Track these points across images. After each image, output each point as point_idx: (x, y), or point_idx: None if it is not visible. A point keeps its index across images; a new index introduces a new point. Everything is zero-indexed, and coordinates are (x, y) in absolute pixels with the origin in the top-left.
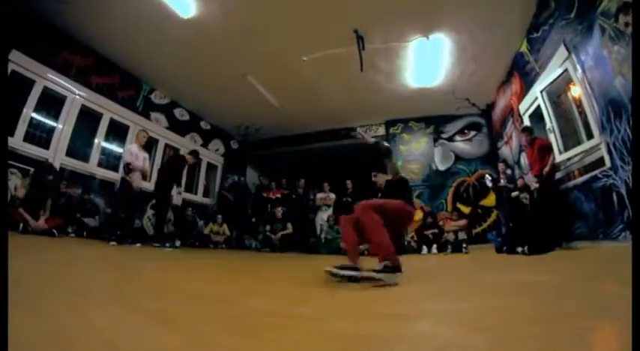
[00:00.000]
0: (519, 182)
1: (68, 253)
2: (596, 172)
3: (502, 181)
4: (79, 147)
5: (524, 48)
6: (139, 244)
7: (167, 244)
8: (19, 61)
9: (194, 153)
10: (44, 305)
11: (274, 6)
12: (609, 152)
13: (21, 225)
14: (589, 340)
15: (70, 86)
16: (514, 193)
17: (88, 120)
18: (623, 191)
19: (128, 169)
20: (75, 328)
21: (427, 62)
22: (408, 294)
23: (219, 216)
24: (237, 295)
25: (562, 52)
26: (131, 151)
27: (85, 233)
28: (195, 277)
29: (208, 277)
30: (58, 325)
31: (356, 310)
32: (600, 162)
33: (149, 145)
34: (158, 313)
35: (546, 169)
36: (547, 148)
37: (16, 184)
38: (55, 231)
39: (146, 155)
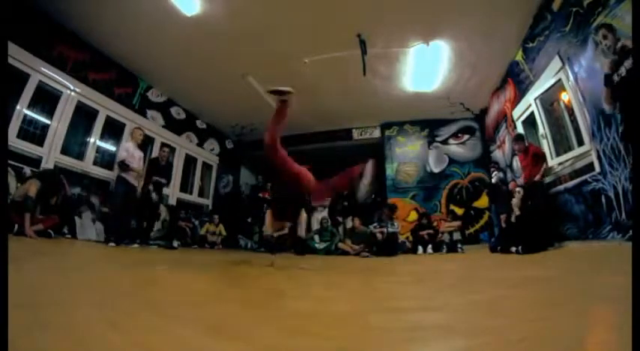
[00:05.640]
0: (511, 185)
1: (76, 258)
2: (586, 176)
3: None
4: (74, 144)
5: (519, 57)
6: (136, 245)
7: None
8: (14, 54)
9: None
10: (76, 323)
11: (279, 8)
12: (599, 158)
13: (16, 226)
14: (591, 319)
15: (65, 82)
16: (518, 189)
17: (83, 117)
18: (612, 195)
19: (123, 166)
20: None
21: (426, 67)
22: (426, 289)
23: (216, 216)
24: (267, 297)
25: (556, 62)
26: (127, 148)
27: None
28: (213, 279)
29: (225, 280)
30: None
31: (380, 305)
32: (590, 167)
33: (144, 144)
34: (201, 321)
35: (537, 176)
36: (540, 155)
37: (29, 182)
38: (51, 231)
39: (141, 154)
